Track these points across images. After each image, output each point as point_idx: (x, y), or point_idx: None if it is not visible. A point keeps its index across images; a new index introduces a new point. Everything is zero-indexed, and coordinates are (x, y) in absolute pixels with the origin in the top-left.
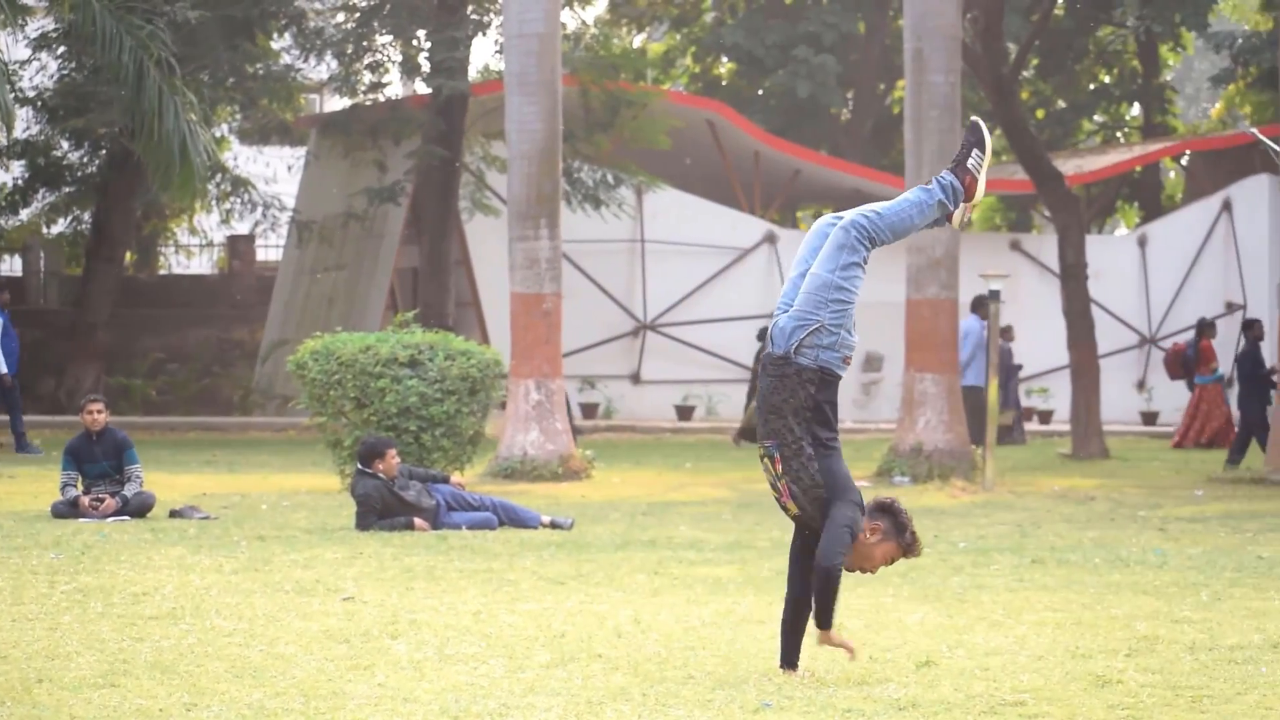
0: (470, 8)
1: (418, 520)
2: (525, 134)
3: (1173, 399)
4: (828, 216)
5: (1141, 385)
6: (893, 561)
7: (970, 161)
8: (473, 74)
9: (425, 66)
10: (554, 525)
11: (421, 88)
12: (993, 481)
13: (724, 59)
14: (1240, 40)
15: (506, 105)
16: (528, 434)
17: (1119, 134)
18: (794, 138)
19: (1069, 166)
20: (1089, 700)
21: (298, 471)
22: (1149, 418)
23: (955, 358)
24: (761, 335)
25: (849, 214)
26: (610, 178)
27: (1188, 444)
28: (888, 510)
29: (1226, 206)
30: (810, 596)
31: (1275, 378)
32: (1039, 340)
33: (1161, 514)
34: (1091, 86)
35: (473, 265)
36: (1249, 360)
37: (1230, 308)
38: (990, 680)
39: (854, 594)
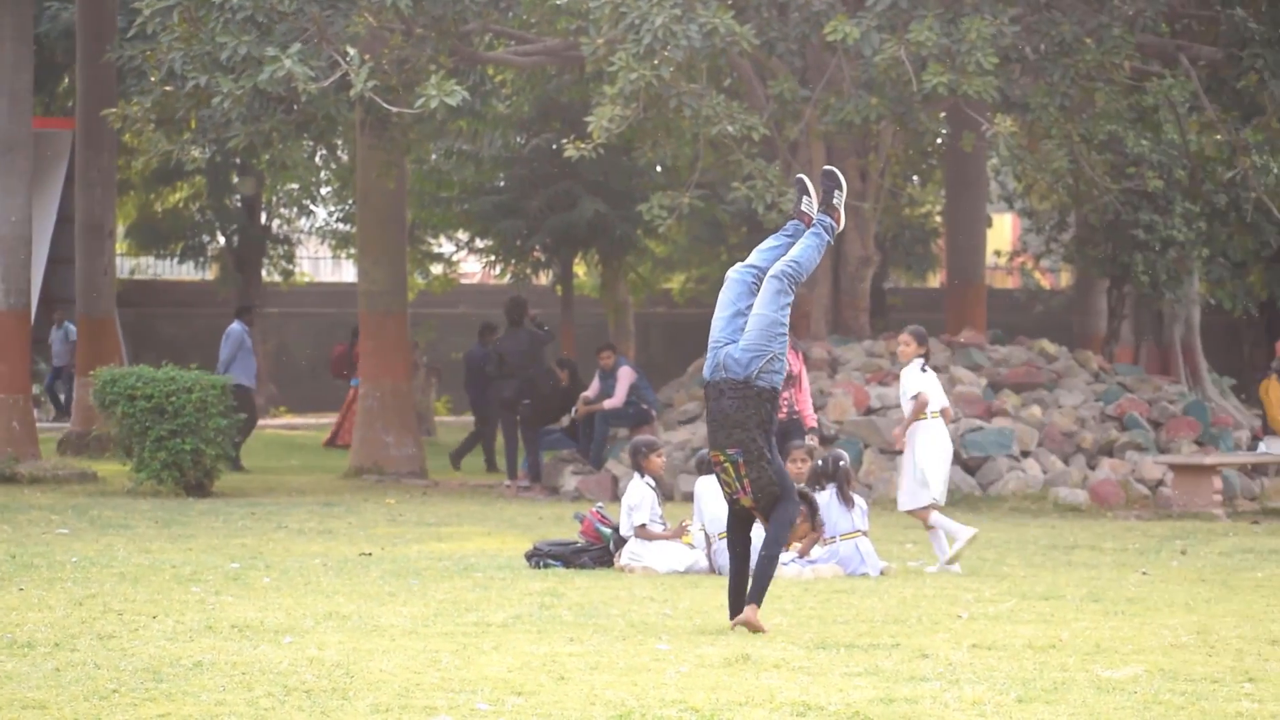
0: None
1: None
2: None
3: None
4: (740, 267)
5: None
6: (803, 538)
7: (835, 201)
8: None
9: None
10: None
11: None
12: None
13: None
14: None
15: None
16: None
17: None
18: None
19: None
20: None
21: None
22: None
23: None
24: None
25: (777, 265)
26: None
27: (340, 442)
28: (806, 499)
29: None
30: (749, 564)
31: None
32: None
33: None
34: None
35: None
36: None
37: None
38: None
39: None
